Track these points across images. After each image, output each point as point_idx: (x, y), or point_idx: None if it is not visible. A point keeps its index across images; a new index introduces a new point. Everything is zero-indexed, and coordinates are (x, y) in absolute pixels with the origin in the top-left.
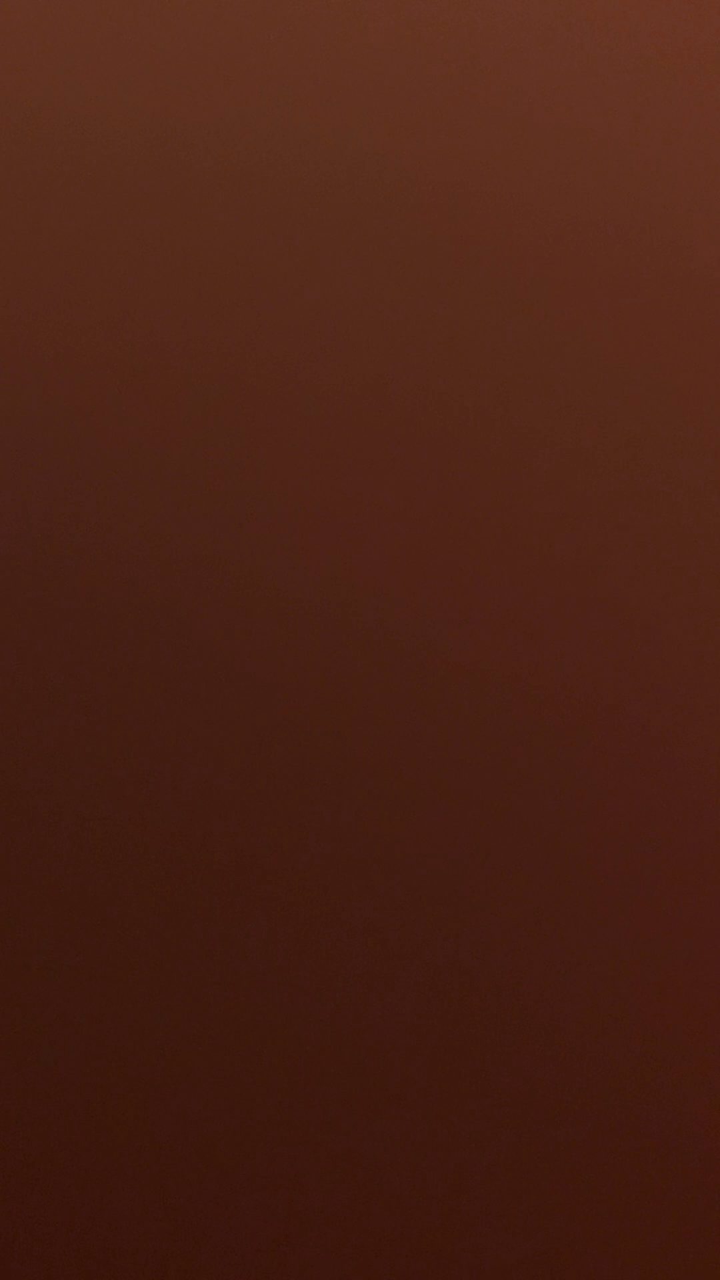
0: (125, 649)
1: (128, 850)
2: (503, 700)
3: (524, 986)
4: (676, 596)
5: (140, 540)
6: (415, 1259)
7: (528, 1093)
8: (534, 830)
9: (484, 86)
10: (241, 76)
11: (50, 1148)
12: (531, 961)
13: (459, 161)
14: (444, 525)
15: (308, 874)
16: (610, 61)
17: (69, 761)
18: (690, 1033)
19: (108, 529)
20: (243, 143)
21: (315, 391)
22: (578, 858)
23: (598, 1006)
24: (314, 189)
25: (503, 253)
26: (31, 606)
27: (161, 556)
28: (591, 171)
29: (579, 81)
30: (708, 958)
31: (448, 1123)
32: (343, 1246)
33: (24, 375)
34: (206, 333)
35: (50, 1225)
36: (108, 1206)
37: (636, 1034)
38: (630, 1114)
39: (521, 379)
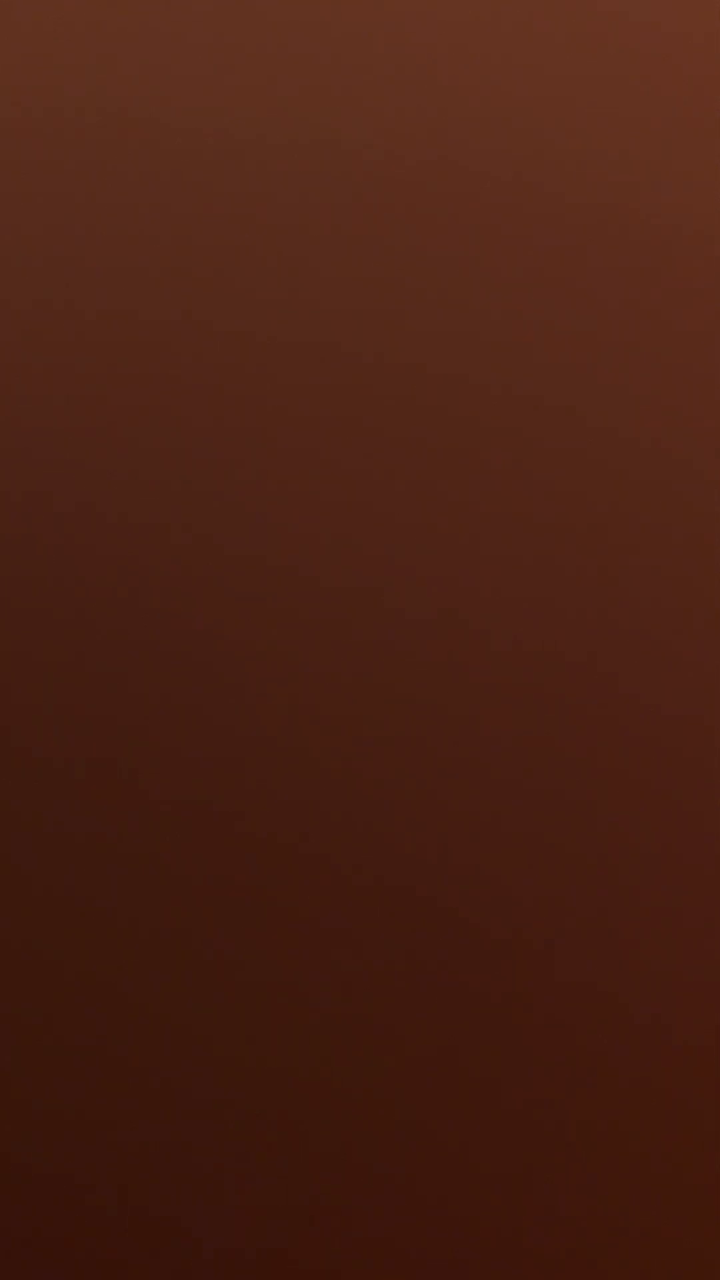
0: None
1: (129, 820)
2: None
3: (523, 963)
4: (673, 585)
5: (140, 521)
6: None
7: (527, 1078)
8: (534, 809)
9: (483, 72)
10: (241, 57)
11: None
12: (529, 949)
13: (458, 144)
14: (443, 506)
15: (309, 859)
16: (609, 44)
17: (71, 746)
18: (689, 1015)
19: (108, 508)
20: (242, 123)
21: (314, 382)
22: (576, 845)
23: (597, 993)
24: (313, 173)
25: (502, 238)
26: (33, 592)
27: (161, 537)
28: (591, 152)
29: (579, 62)
30: (707, 943)
31: (445, 1114)
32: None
33: (23, 362)
34: (205, 315)
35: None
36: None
37: (637, 1020)
38: (628, 1104)
39: (521, 368)
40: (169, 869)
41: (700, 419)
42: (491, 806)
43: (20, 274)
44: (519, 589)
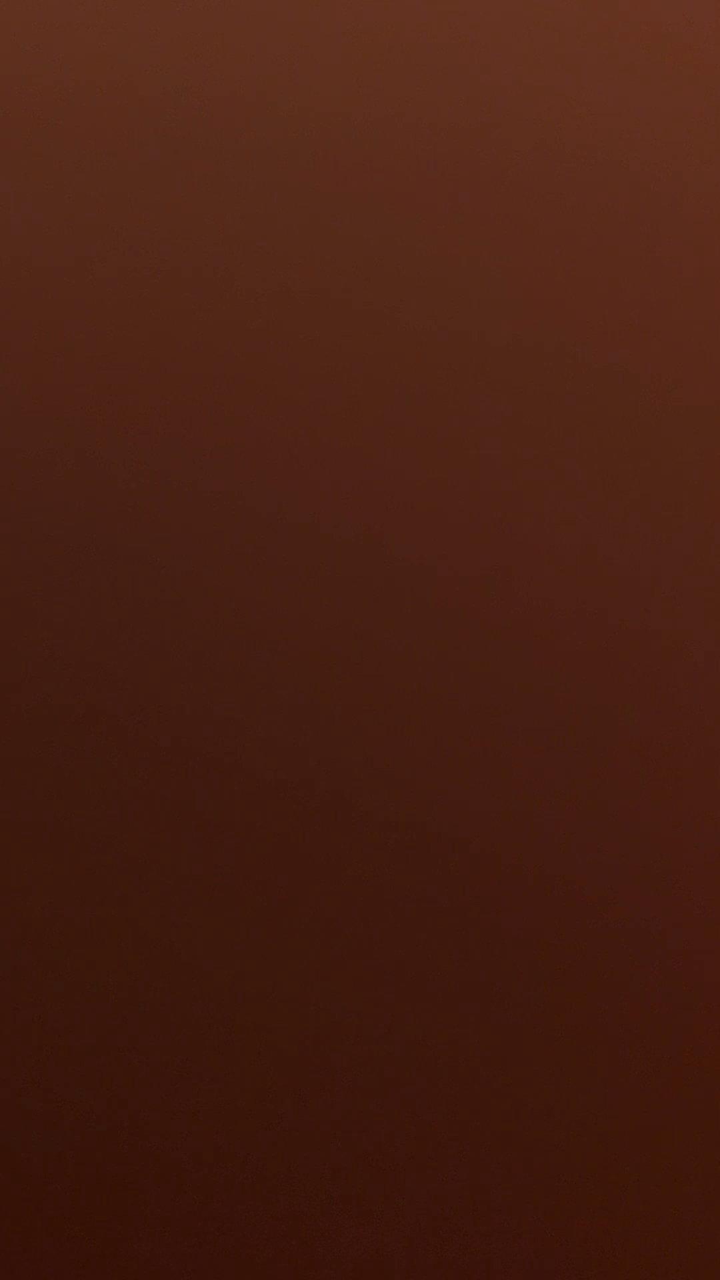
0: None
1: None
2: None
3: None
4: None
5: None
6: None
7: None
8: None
9: (484, 63)
10: (239, 51)
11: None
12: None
13: (457, 124)
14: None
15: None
16: (611, 36)
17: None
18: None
19: (108, 491)
20: (241, 115)
21: (313, 368)
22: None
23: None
24: (312, 148)
25: (504, 232)
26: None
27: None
28: (593, 145)
29: (580, 50)
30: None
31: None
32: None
33: (22, 358)
34: (205, 300)
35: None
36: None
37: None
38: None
39: (523, 367)
40: (170, 830)
41: (704, 404)
42: (498, 777)
43: (19, 262)
44: (522, 557)
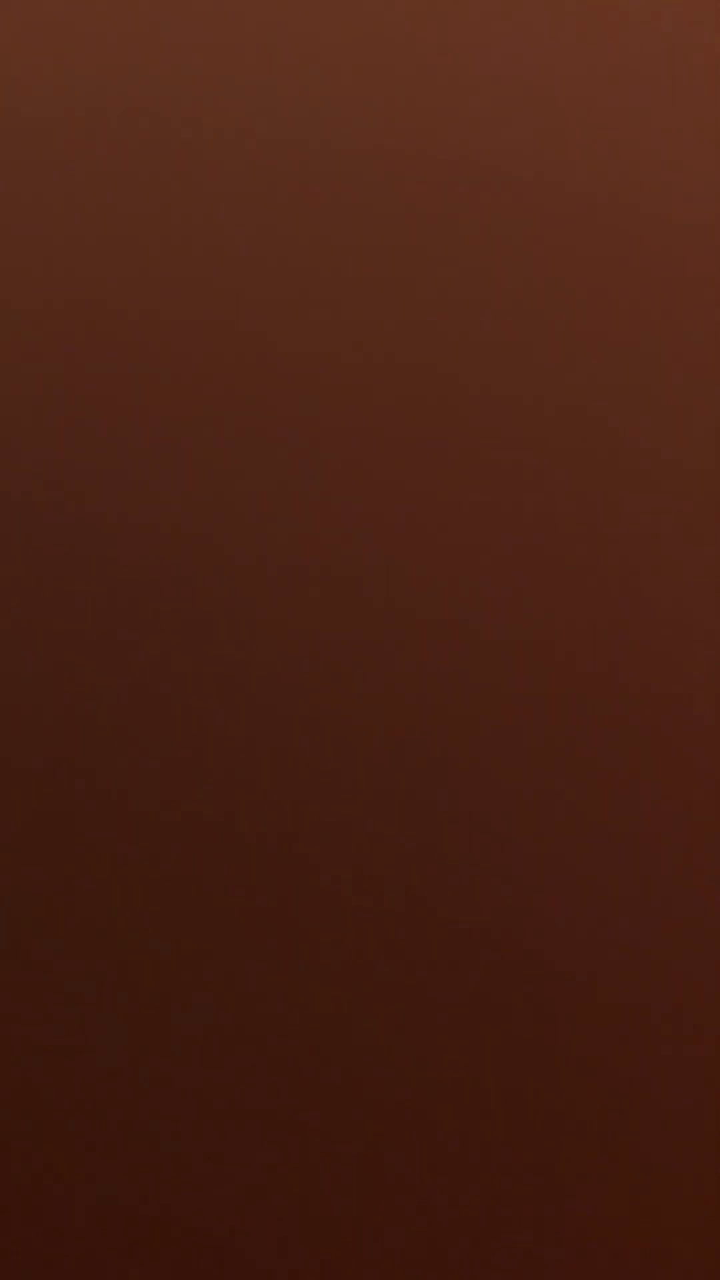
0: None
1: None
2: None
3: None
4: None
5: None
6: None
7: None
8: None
9: (484, 63)
10: (240, 56)
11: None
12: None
13: (458, 139)
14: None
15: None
16: (610, 39)
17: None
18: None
19: (106, 496)
20: (241, 119)
21: (312, 377)
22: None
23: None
24: (312, 166)
25: (500, 228)
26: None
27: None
28: (591, 146)
29: (579, 54)
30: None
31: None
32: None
33: (22, 356)
34: (203, 310)
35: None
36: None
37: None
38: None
39: (520, 365)
40: (165, 865)
41: (701, 413)
42: (492, 805)
43: (19, 269)
44: (519, 581)
